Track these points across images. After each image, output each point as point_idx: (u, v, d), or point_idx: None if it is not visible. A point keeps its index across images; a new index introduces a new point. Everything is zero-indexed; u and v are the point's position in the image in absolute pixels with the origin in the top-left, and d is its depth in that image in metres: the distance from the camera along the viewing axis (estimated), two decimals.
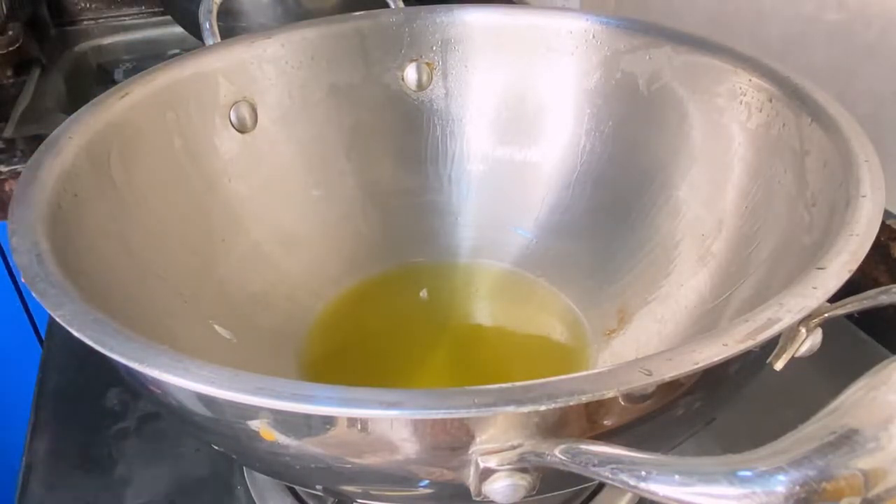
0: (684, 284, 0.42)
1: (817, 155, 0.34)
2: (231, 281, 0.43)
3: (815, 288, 0.25)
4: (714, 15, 0.62)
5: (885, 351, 0.47)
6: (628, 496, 0.38)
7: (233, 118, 0.45)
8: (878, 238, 0.27)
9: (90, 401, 0.46)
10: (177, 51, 0.98)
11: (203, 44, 0.49)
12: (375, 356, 0.46)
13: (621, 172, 0.47)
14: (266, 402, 0.22)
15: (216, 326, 0.40)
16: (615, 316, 0.45)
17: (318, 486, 0.29)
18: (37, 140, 0.36)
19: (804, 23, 0.55)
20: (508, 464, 0.22)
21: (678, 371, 0.22)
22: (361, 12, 0.49)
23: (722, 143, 0.41)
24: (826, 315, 0.26)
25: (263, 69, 0.46)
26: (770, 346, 0.26)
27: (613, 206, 0.47)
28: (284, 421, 0.23)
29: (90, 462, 0.42)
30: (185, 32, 0.86)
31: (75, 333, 0.24)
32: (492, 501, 0.23)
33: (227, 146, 0.45)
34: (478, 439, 0.22)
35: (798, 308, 0.24)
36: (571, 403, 0.21)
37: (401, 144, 0.51)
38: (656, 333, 0.42)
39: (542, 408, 0.21)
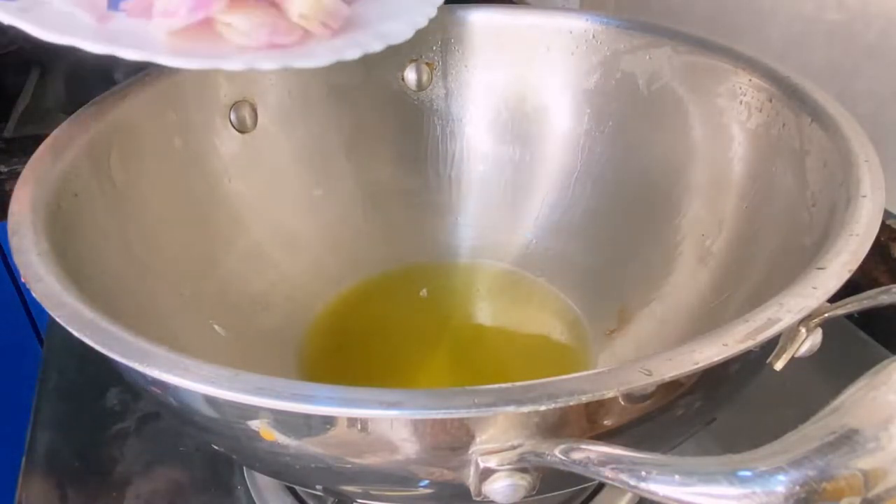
0: (684, 284, 0.42)
1: (817, 155, 0.34)
2: (231, 281, 0.43)
3: (815, 288, 0.25)
4: (714, 15, 0.62)
5: (885, 351, 0.47)
6: (628, 496, 0.38)
7: (233, 118, 0.45)
8: (878, 238, 0.27)
9: (90, 401, 0.46)
10: None
11: None
12: (375, 356, 0.46)
13: (621, 172, 0.47)
14: (266, 402, 0.22)
15: (215, 326, 0.40)
16: (615, 316, 0.45)
17: (318, 486, 0.29)
18: (37, 140, 0.36)
19: (804, 23, 0.55)
20: (508, 464, 0.22)
21: (678, 371, 0.22)
22: None
23: (722, 143, 0.41)
24: (826, 315, 0.26)
25: None
26: (770, 346, 0.26)
27: (613, 206, 0.47)
28: (284, 421, 0.23)
29: (90, 462, 0.42)
30: None
31: (75, 333, 0.24)
32: (492, 501, 0.23)
33: (227, 146, 0.45)
34: (478, 439, 0.22)
35: (798, 308, 0.24)
36: (571, 403, 0.21)
37: (401, 144, 0.51)
38: (656, 333, 0.42)
39: (543, 408, 0.21)
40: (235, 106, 0.45)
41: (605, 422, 0.24)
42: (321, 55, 0.36)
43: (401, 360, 0.45)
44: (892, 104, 0.51)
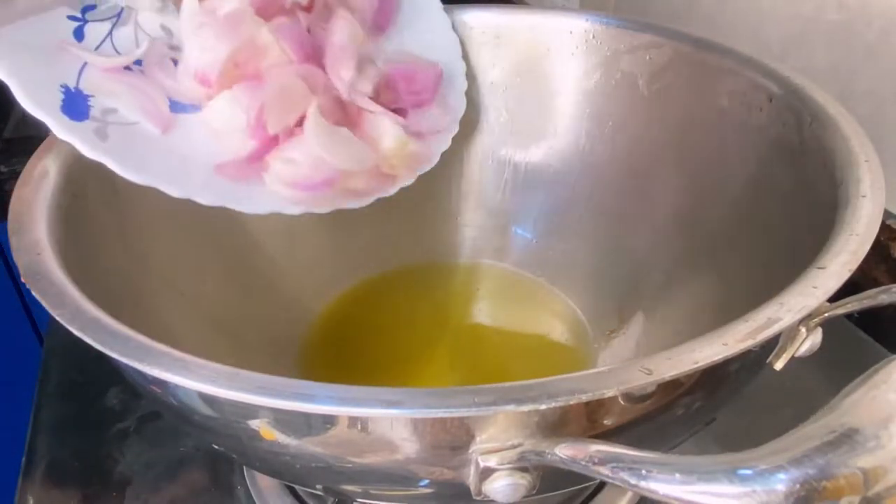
0: (685, 284, 0.42)
1: (817, 155, 0.34)
2: (231, 281, 0.43)
3: (815, 288, 0.25)
4: (714, 15, 0.62)
5: (885, 351, 0.47)
6: (628, 496, 0.38)
7: None
8: (878, 238, 0.27)
9: (90, 401, 0.46)
10: None
11: None
12: (375, 356, 0.46)
13: (621, 172, 0.47)
14: (266, 401, 0.22)
15: (215, 326, 0.40)
16: (615, 315, 0.45)
17: (318, 486, 0.29)
18: (37, 140, 0.36)
19: (804, 23, 0.55)
20: (508, 463, 0.22)
21: (678, 370, 0.22)
22: None
23: (722, 144, 0.41)
24: (826, 315, 0.26)
25: None
26: (770, 346, 0.26)
27: (614, 206, 0.47)
28: (285, 420, 0.23)
29: (90, 462, 0.42)
30: None
31: (75, 333, 0.25)
32: (492, 501, 0.23)
33: None
34: (478, 438, 0.22)
35: (798, 308, 0.24)
36: (571, 403, 0.21)
37: None
38: (656, 333, 0.42)
39: (543, 407, 0.21)
40: None
41: (606, 421, 0.24)
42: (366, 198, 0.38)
43: (401, 361, 0.45)
44: (892, 104, 0.51)
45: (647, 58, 0.45)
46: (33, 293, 0.26)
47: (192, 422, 0.27)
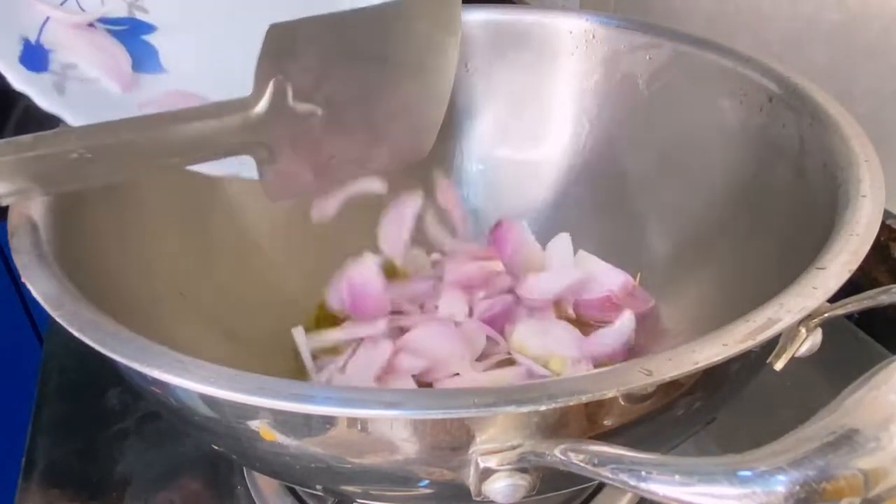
0: (684, 284, 0.42)
1: (817, 155, 0.34)
2: (231, 281, 0.43)
3: (815, 288, 0.25)
4: (714, 15, 0.62)
5: (885, 351, 0.47)
6: (628, 496, 0.38)
7: None
8: (878, 238, 0.27)
9: (90, 401, 0.46)
10: None
11: None
12: None
13: (621, 172, 0.47)
14: (266, 402, 0.22)
15: (215, 326, 0.40)
16: None
17: (318, 486, 0.29)
18: None
19: (804, 23, 0.55)
20: (508, 464, 0.22)
21: (678, 371, 0.22)
22: None
23: (722, 143, 0.41)
24: (826, 315, 0.26)
25: None
26: (770, 346, 0.26)
27: (613, 206, 0.47)
28: (284, 421, 0.23)
29: (90, 462, 0.42)
30: None
31: (75, 333, 0.24)
32: (492, 501, 0.23)
33: None
34: (478, 439, 0.22)
35: (798, 308, 0.24)
36: (571, 403, 0.21)
37: None
38: (657, 333, 0.42)
39: (542, 408, 0.21)
40: None
41: (606, 422, 0.24)
42: None
43: None
44: (892, 104, 0.50)
45: (647, 58, 0.45)
46: (33, 294, 0.26)
47: (192, 422, 0.27)
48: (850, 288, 0.26)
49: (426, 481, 0.25)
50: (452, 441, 0.22)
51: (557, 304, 0.45)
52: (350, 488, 0.28)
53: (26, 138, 0.26)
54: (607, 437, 0.24)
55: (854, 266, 0.26)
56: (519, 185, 0.50)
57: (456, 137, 0.51)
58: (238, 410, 0.24)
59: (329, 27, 0.35)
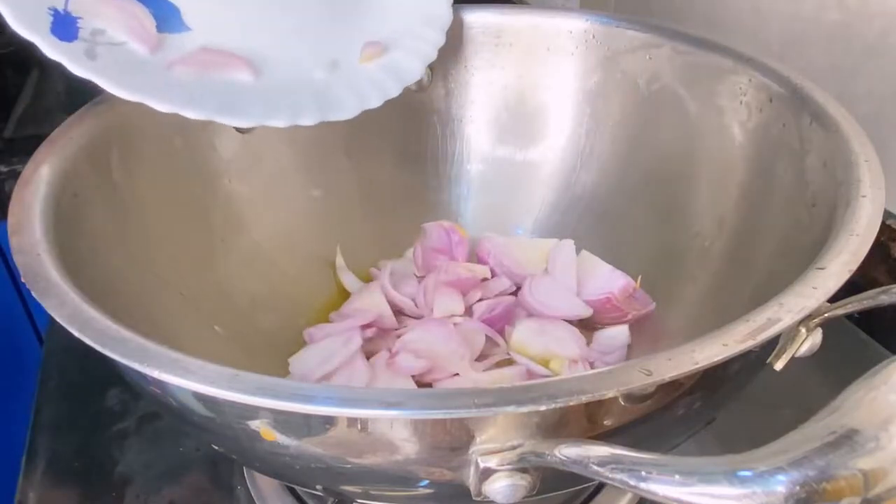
0: (684, 284, 0.42)
1: (817, 155, 0.34)
2: (231, 281, 0.43)
3: (815, 288, 0.25)
4: (714, 15, 0.62)
5: (885, 351, 0.47)
6: (628, 496, 0.38)
7: None
8: (878, 238, 0.27)
9: (90, 401, 0.46)
10: None
11: None
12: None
13: (621, 173, 0.47)
14: (266, 402, 0.22)
15: (215, 326, 0.41)
16: None
17: (318, 486, 0.29)
18: (37, 140, 0.36)
19: (804, 23, 0.55)
20: (508, 464, 0.22)
21: (678, 371, 0.22)
22: None
23: (722, 144, 0.41)
24: (826, 315, 0.26)
25: None
26: (770, 346, 0.26)
27: (613, 206, 0.47)
28: (284, 421, 0.23)
29: (90, 462, 0.42)
30: None
31: (75, 333, 0.24)
32: (492, 501, 0.23)
33: (227, 146, 0.45)
34: (478, 439, 0.22)
35: (798, 308, 0.24)
36: (571, 403, 0.21)
37: (401, 144, 0.51)
38: (657, 333, 0.42)
39: (542, 408, 0.21)
40: None
41: (606, 422, 0.24)
42: (350, 107, 0.39)
43: None
44: (892, 104, 0.51)
45: (647, 58, 0.45)
46: (33, 294, 0.26)
47: (192, 422, 0.27)
48: (850, 288, 0.26)
49: (426, 481, 0.25)
50: (452, 441, 0.22)
51: None
52: (350, 488, 0.28)
53: None
54: (607, 437, 0.24)
55: (854, 266, 0.26)
56: (519, 185, 0.50)
57: (456, 138, 0.51)
58: (238, 410, 0.24)
59: None
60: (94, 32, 0.35)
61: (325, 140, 0.49)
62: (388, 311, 0.44)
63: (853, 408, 0.18)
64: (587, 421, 0.23)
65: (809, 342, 0.27)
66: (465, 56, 0.49)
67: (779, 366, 0.27)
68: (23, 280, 0.27)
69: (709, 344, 0.23)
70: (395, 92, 0.41)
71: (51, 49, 0.33)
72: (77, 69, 0.33)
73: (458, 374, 0.40)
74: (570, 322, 0.43)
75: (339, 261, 0.48)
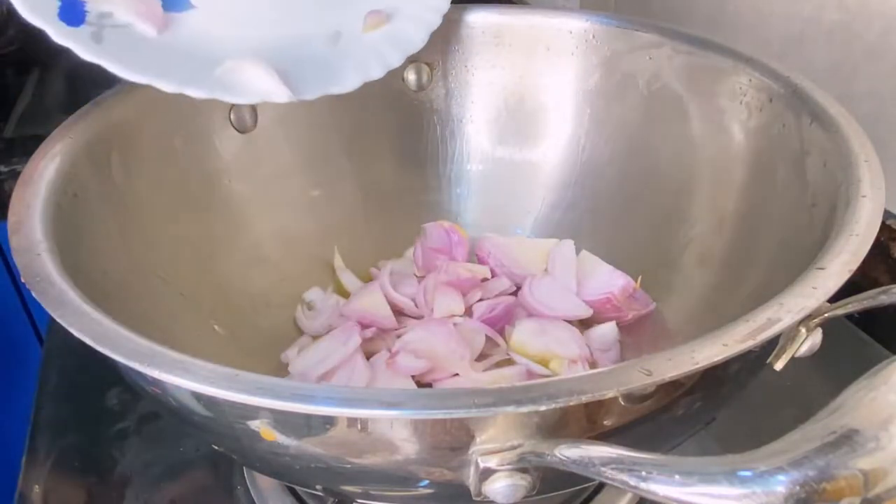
0: (685, 284, 0.42)
1: (817, 155, 0.34)
2: (231, 281, 0.43)
3: (815, 288, 0.25)
4: (714, 15, 0.62)
5: (885, 351, 0.47)
6: (628, 496, 0.38)
7: (233, 118, 0.45)
8: (878, 238, 0.27)
9: (90, 401, 0.46)
10: None
11: None
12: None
13: (621, 173, 0.47)
14: (266, 402, 0.22)
15: (215, 326, 0.41)
16: None
17: (318, 486, 0.29)
18: (37, 140, 0.36)
19: (804, 23, 0.55)
20: (508, 464, 0.22)
21: (678, 371, 0.22)
22: None
23: (722, 144, 0.41)
24: (826, 315, 0.26)
25: None
26: (770, 346, 0.26)
27: (613, 206, 0.47)
28: (284, 421, 0.23)
29: (90, 462, 0.42)
30: None
31: (75, 333, 0.24)
32: (492, 501, 0.23)
33: (227, 146, 0.45)
34: (478, 439, 0.22)
35: (798, 308, 0.24)
36: (571, 403, 0.21)
37: (401, 144, 0.51)
38: (656, 333, 0.42)
39: (542, 408, 0.21)
40: (235, 106, 0.45)
41: (605, 422, 0.24)
42: (351, 80, 0.40)
43: None
44: (892, 104, 0.51)
45: (647, 58, 0.45)
46: (33, 294, 0.26)
47: (192, 422, 0.27)
48: (851, 288, 0.26)
49: (426, 481, 0.25)
50: (452, 441, 0.22)
51: None
52: (350, 488, 0.28)
53: None
54: (607, 436, 0.24)
55: (854, 266, 0.26)
56: (518, 185, 0.50)
57: (456, 138, 0.51)
58: (238, 410, 0.24)
59: None
60: (100, 16, 0.36)
61: (326, 140, 0.49)
62: (388, 311, 0.44)
63: (853, 408, 0.19)
64: (587, 421, 0.23)
65: (809, 342, 0.27)
66: (465, 56, 0.49)
67: (779, 366, 0.27)
68: (23, 280, 0.27)
69: (709, 344, 0.23)
70: (397, 62, 0.41)
71: (59, 34, 0.34)
72: (85, 53, 0.34)
73: (458, 374, 0.40)
74: (570, 322, 0.43)
75: (338, 261, 0.48)
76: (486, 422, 0.22)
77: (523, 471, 0.22)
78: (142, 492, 0.40)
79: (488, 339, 0.42)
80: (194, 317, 0.40)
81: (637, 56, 0.45)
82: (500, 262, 0.46)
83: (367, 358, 0.41)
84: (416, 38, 0.42)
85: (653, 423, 0.25)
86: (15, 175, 0.58)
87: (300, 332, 0.45)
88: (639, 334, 0.43)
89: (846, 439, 0.17)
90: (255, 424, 0.24)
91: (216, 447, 0.29)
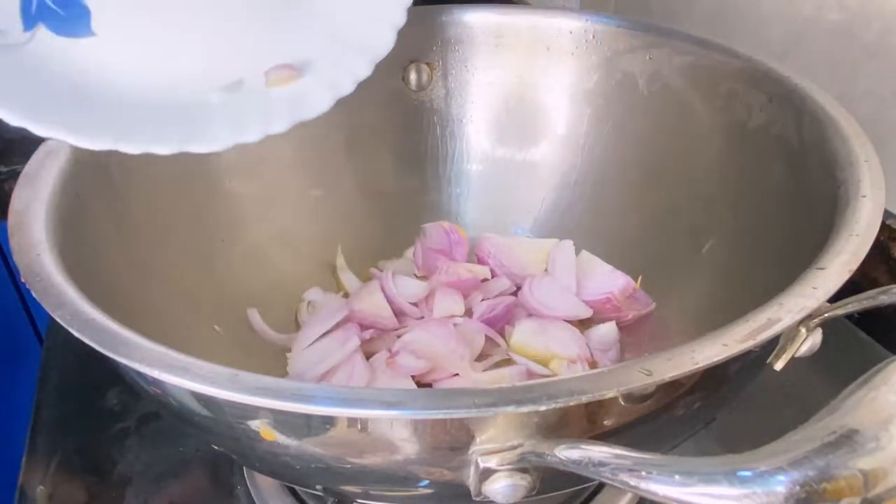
0: (685, 284, 0.42)
1: (817, 155, 0.34)
2: (231, 281, 0.43)
3: (815, 288, 0.25)
4: (714, 15, 0.62)
5: (885, 351, 0.47)
6: (628, 496, 0.38)
7: None
8: (878, 238, 0.27)
9: (90, 401, 0.45)
10: None
11: None
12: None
13: (621, 173, 0.47)
14: (266, 402, 0.22)
15: (215, 326, 0.41)
16: None
17: (318, 486, 0.29)
18: (37, 140, 0.36)
19: (804, 23, 0.55)
20: (508, 464, 0.22)
21: (678, 371, 0.22)
22: None
23: (722, 144, 0.41)
24: (826, 315, 0.26)
25: None
26: (770, 347, 0.26)
27: (613, 206, 0.47)
28: (284, 421, 0.23)
29: (90, 462, 0.42)
30: None
31: (75, 333, 0.24)
32: (492, 501, 0.23)
33: None
34: (478, 439, 0.22)
35: (798, 308, 0.24)
36: (571, 403, 0.21)
37: (401, 144, 0.51)
38: (656, 333, 0.42)
39: (542, 408, 0.21)
40: None
41: (606, 422, 0.24)
42: (322, 100, 0.37)
43: None
44: (892, 104, 0.51)
45: (647, 58, 0.45)
46: (33, 294, 0.26)
47: (192, 422, 0.27)
48: (851, 288, 0.26)
49: (426, 481, 0.25)
50: (452, 441, 0.22)
51: None
52: (350, 488, 0.28)
53: None
54: (607, 437, 0.24)
55: (854, 266, 0.26)
56: (518, 185, 0.50)
57: (456, 138, 0.51)
58: (238, 410, 0.24)
59: None
60: None
61: (326, 140, 0.49)
62: (388, 312, 0.44)
63: (853, 408, 0.19)
64: (587, 421, 0.23)
65: (809, 342, 0.27)
66: (465, 56, 0.49)
67: (779, 366, 0.27)
68: (23, 280, 0.27)
69: (709, 344, 0.23)
70: (280, 128, 0.36)
71: None
72: None
73: (457, 374, 0.40)
74: (570, 322, 0.43)
75: (340, 260, 0.48)
76: (486, 422, 0.22)
77: (523, 471, 0.22)
78: (142, 492, 0.40)
79: (488, 339, 0.42)
80: (194, 317, 0.40)
81: (637, 56, 0.45)
82: (500, 262, 0.46)
83: (367, 358, 0.41)
84: (318, 104, 0.37)
85: (653, 423, 0.25)
86: (15, 175, 0.58)
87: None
88: (639, 334, 0.43)
89: (846, 439, 0.17)
90: (255, 424, 0.24)
91: (216, 447, 0.29)
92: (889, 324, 0.47)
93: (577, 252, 0.46)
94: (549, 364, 0.40)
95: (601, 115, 0.47)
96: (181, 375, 0.22)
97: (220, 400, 0.22)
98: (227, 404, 0.24)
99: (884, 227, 0.46)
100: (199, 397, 0.24)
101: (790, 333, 0.26)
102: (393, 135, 0.51)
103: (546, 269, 0.46)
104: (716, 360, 0.22)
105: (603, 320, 0.43)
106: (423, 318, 0.44)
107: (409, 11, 0.39)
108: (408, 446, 0.23)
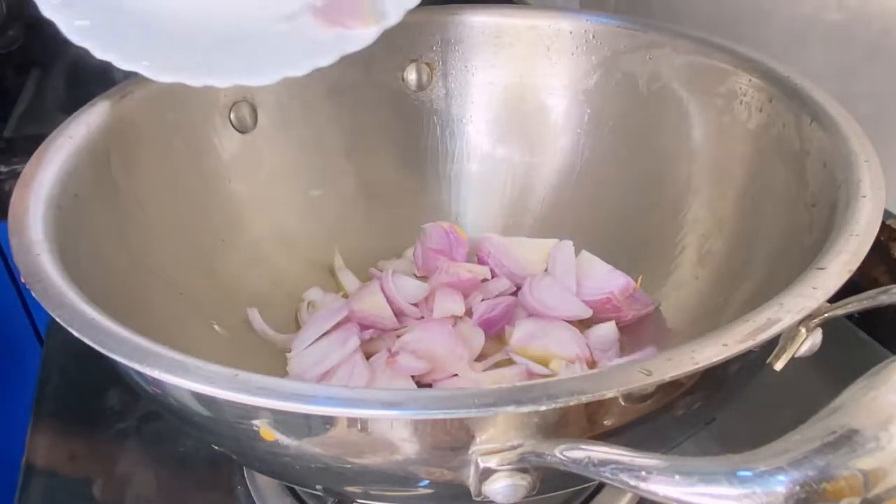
0: (685, 284, 0.42)
1: (817, 155, 0.34)
2: (231, 281, 0.43)
3: (815, 288, 0.25)
4: (714, 15, 0.62)
5: (885, 351, 0.47)
6: (628, 496, 0.38)
7: (233, 118, 0.45)
8: (878, 238, 0.27)
9: (90, 401, 0.46)
10: None
11: None
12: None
13: (621, 173, 0.47)
14: (266, 402, 0.22)
15: (215, 326, 0.41)
16: None
17: (318, 487, 0.29)
18: (37, 140, 0.36)
19: (804, 23, 0.55)
20: (508, 464, 0.22)
21: (678, 371, 0.22)
22: None
23: (722, 144, 0.41)
24: (826, 315, 0.26)
25: None
26: (770, 347, 0.26)
27: (613, 206, 0.47)
28: (284, 421, 0.23)
29: (90, 462, 0.42)
30: None
31: (75, 333, 0.25)
32: (492, 501, 0.23)
33: (227, 146, 0.45)
34: (478, 439, 0.22)
35: (798, 308, 0.24)
36: (571, 403, 0.21)
37: (401, 144, 0.51)
38: (656, 333, 0.42)
39: (542, 408, 0.21)
40: (235, 106, 0.45)
41: (606, 422, 0.24)
42: (368, 32, 0.37)
43: None
44: (892, 104, 0.51)
45: (647, 58, 0.45)
46: (33, 294, 0.26)
47: (192, 422, 0.27)
48: (851, 288, 0.26)
49: (426, 481, 0.25)
50: (452, 441, 0.23)
51: None
52: (350, 488, 0.28)
53: None
54: (607, 436, 0.24)
55: (854, 266, 0.26)
56: (518, 185, 0.50)
57: (456, 138, 0.51)
58: (238, 410, 0.24)
59: None
60: None
61: (326, 140, 0.49)
62: (388, 312, 0.44)
63: (853, 408, 0.19)
64: (587, 421, 0.23)
65: (809, 342, 0.27)
66: (465, 56, 0.49)
67: (779, 366, 0.27)
68: (23, 280, 0.27)
69: (709, 344, 0.23)
70: (327, 61, 0.37)
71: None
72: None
73: (457, 374, 0.40)
74: (570, 322, 0.43)
75: (338, 261, 0.48)
76: (487, 422, 0.22)
77: (523, 471, 0.22)
78: (142, 492, 0.40)
79: (488, 339, 0.42)
80: (194, 317, 0.40)
81: (637, 56, 0.45)
82: (500, 262, 0.46)
83: (367, 358, 0.41)
84: (366, 36, 0.38)
85: (653, 423, 0.25)
86: (15, 175, 0.58)
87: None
88: (639, 334, 0.43)
89: (846, 439, 0.17)
90: (255, 424, 0.24)
91: (216, 447, 0.29)
92: (889, 324, 0.47)
93: (577, 252, 0.46)
94: (548, 364, 0.40)
95: (601, 115, 0.47)
96: (181, 375, 0.22)
97: (220, 400, 0.22)
98: (227, 404, 0.24)
99: (884, 227, 0.46)
100: (199, 397, 0.24)
101: (790, 333, 0.26)
102: (393, 135, 0.51)
103: (546, 269, 0.46)
104: (716, 360, 0.22)
105: (603, 320, 0.43)
106: (422, 318, 0.44)
107: (410, 11, 0.39)
108: (408, 446, 0.23)
